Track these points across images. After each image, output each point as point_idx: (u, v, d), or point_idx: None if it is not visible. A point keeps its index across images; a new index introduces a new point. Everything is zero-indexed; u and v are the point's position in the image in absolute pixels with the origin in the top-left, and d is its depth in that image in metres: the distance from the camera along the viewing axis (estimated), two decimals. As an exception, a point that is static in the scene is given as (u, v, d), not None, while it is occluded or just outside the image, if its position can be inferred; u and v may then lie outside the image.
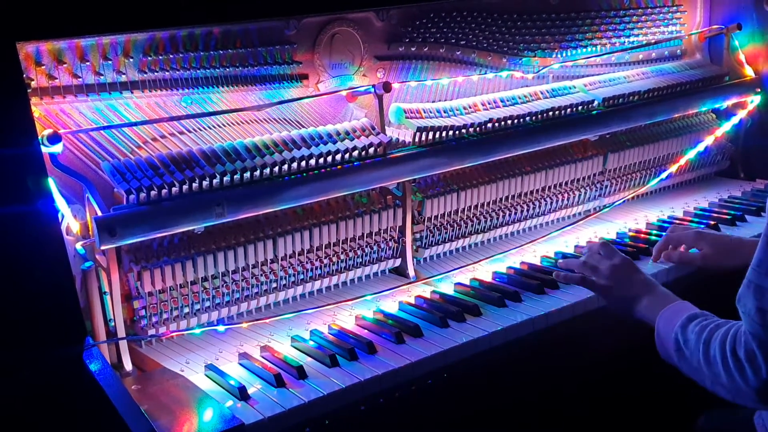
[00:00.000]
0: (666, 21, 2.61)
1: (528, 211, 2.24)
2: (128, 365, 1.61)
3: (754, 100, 2.62)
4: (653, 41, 2.57)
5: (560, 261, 1.93)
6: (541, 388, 1.80)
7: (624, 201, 2.44)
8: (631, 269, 1.75)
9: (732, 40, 2.64)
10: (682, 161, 2.55)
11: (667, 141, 2.50)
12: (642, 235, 2.19)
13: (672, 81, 2.46)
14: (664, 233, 2.06)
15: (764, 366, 1.32)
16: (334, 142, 1.82)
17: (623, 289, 1.71)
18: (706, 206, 2.44)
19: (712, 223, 2.25)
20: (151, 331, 1.68)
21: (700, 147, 2.57)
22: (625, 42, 2.50)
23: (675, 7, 2.63)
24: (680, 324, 1.50)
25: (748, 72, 2.62)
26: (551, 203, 2.28)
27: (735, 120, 2.64)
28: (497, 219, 2.18)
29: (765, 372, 1.32)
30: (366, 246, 1.95)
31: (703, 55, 2.71)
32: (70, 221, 1.57)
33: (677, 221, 2.30)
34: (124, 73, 1.68)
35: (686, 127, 2.57)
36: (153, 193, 1.58)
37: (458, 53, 2.16)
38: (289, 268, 1.83)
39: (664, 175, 2.51)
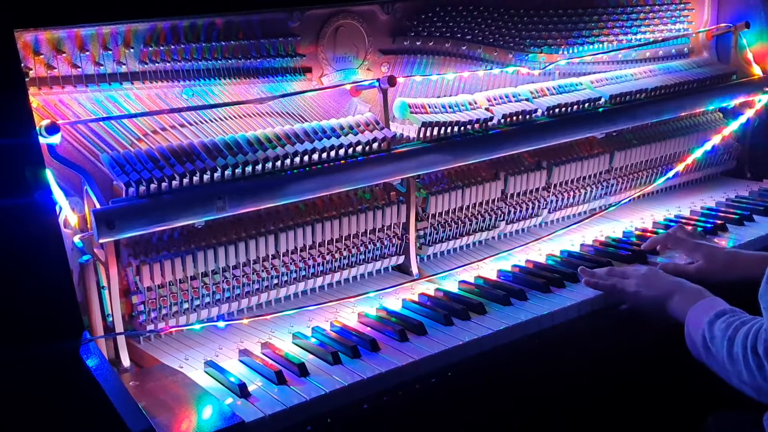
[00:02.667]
0: (673, 18, 2.58)
1: (533, 209, 2.21)
2: (126, 361, 1.58)
3: (761, 99, 2.60)
4: (660, 39, 2.54)
5: (580, 269, 1.88)
6: (547, 387, 1.77)
7: (630, 200, 2.42)
8: (657, 272, 1.80)
9: (740, 39, 2.62)
10: (689, 160, 2.52)
11: (673, 140, 2.48)
12: (648, 235, 2.16)
13: (679, 79, 2.44)
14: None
15: None
16: (338, 137, 1.80)
17: (653, 289, 1.72)
18: (713, 206, 2.41)
19: (720, 222, 2.23)
20: (150, 327, 1.65)
21: (707, 146, 2.54)
22: (632, 39, 2.47)
23: (683, 5, 2.61)
24: (708, 320, 1.51)
25: (756, 71, 2.60)
26: (557, 201, 2.26)
27: (742, 119, 2.61)
28: (502, 216, 2.15)
29: None
30: (369, 242, 1.92)
31: (711, 54, 2.69)
32: (68, 214, 1.54)
33: (683, 221, 2.28)
34: (124, 64, 1.66)
35: (693, 126, 2.55)
36: (153, 186, 1.56)
37: (464, 48, 2.14)
38: (290, 264, 1.81)
39: (670, 174, 2.48)
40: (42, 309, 1.39)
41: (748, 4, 2.62)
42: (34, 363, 1.37)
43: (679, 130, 2.50)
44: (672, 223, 2.25)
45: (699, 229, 2.17)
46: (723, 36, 2.66)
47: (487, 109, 2.06)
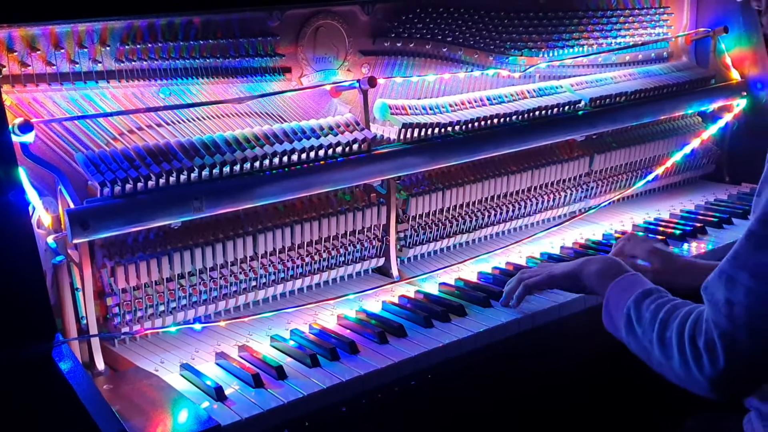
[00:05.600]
0: (653, 23, 2.60)
1: (513, 211, 2.21)
2: (100, 364, 1.56)
3: (740, 104, 2.62)
4: (640, 43, 2.55)
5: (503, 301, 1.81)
6: (527, 389, 1.77)
7: (610, 203, 2.42)
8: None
9: (718, 43, 2.64)
10: (669, 163, 2.53)
11: (653, 143, 2.49)
12: (628, 237, 2.17)
13: (659, 83, 2.45)
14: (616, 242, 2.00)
15: (722, 357, 1.27)
16: (317, 137, 1.78)
17: (565, 266, 1.69)
18: (692, 209, 2.43)
19: (699, 225, 2.24)
20: (125, 329, 1.62)
21: (687, 150, 2.56)
22: (612, 43, 2.48)
23: (662, 9, 2.62)
24: (634, 299, 1.45)
25: (734, 75, 2.62)
26: (537, 204, 2.26)
27: (721, 123, 2.63)
28: (482, 219, 2.15)
29: (722, 363, 1.27)
30: (349, 244, 1.91)
31: (690, 58, 2.70)
32: (41, 214, 1.52)
33: (662, 223, 2.29)
34: (100, 62, 1.64)
35: (672, 130, 2.56)
36: (128, 186, 1.54)
37: (444, 50, 2.13)
38: (269, 265, 1.79)
39: (650, 177, 2.49)
40: (14, 310, 1.36)
41: (727, 9, 2.64)
42: (5, 366, 1.33)
43: (658, 134, 2.51)
44: (651, 226, 2.27)
45: (677, 232, 2.18)
46: (702, 40, 2.68)
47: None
